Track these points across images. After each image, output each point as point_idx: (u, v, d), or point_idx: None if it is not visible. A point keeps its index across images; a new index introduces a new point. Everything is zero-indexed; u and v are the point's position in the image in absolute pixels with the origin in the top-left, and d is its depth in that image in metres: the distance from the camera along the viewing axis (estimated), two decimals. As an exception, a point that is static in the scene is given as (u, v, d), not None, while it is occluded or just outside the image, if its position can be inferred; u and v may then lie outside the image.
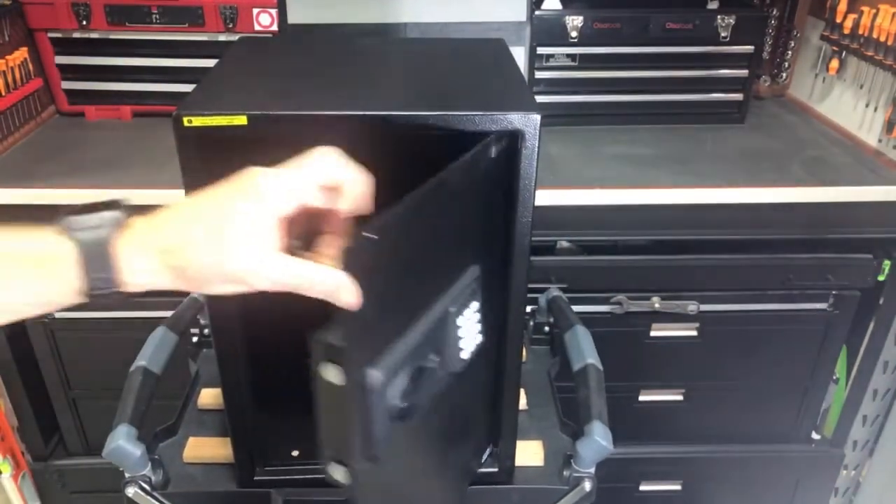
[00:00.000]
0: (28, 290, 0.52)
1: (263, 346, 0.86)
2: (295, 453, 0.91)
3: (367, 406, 0.59)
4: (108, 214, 0.53)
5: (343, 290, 0.53)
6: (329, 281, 0.53)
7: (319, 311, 0.99)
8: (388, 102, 0.75)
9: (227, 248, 0.51)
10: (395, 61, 0.96)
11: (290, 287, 0.53)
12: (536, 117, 0.71)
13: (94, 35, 1.50)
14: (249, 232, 0.51)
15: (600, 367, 0.96)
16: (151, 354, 0.95)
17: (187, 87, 1.52)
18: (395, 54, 1.00)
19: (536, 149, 0.72)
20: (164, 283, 0.53)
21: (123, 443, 0.84)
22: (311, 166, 0.54)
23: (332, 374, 0.56)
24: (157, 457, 0.89)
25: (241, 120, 0.69)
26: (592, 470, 0.89)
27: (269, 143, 0.71)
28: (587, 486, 0.89)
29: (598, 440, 0.86)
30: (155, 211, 0.54)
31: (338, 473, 0.61)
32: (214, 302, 0.78)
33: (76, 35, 1.50)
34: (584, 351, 0.99)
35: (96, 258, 0.51)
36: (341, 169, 0.55)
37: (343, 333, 0.55)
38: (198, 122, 0.68)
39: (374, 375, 0.59)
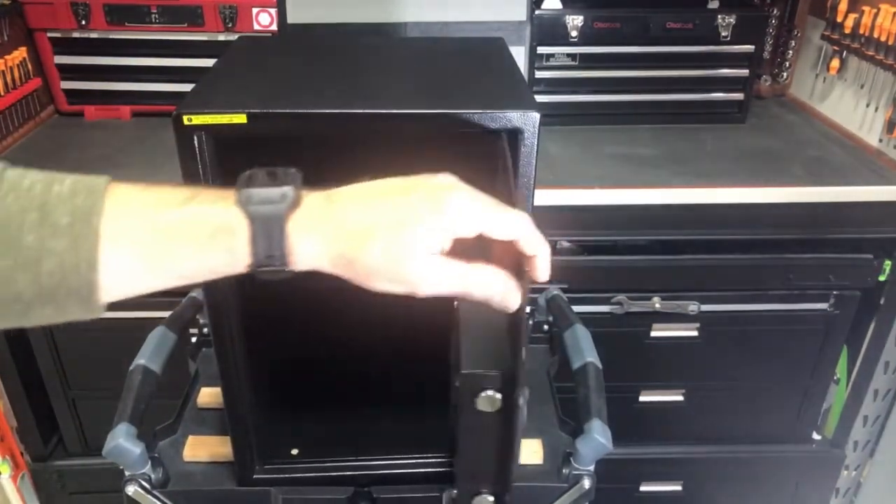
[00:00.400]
0: (199, 259, 0.52)
1: (263, 345, 0.86)
2: (294, 452, 0.91)
3: (518, 426, 0.59)
4: (284, 190, 0.52)
5: (511, 295, 0.54)
6: (499, 285, 0.54)
7: (317, 309, 0.99)
8: (387, 101, 0.75)
9: (404, 254, 0.51)
10: (393, 60, 0.95)
11: (458, 292, 0.54)
12: (535, 115, 0.71)
13: (94, 35, 1.50)
14: (430, 243, 0.51)
15: (599, 365, 0.96)
16: (151, 353, 0.95)
17: (186, 87, 1.52)
18: (393, 53, 1.00)
19: (535, 147, 0.72)
20: (325, 268, 0.53)
21: (123, 441, 0.84)
22: (506, 217, 0.53)
23: (489, 402, 0.57)
24: (156, 455, 0.89)
25: (241, 118, 0.69)
26: (592, 468, 0.89)
27: (269, 141, 0.71)
28: (586, 483, 0.88)
29: (598, 438, 0.86)
30: (327, 190, 0.53)
31: None
32: (213, 300, 0.78)
33: (75, 35, 1.50)
34: (584, 349, 0.98)
35: (268, 236, 0.51)
36: (531, 241, 0.54)
37: (507, 361, 0.56)
38: (197, 120, 0.68)
39: (523, 393, 0.58)
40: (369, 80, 0.84)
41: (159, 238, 0.50)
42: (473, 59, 0.95)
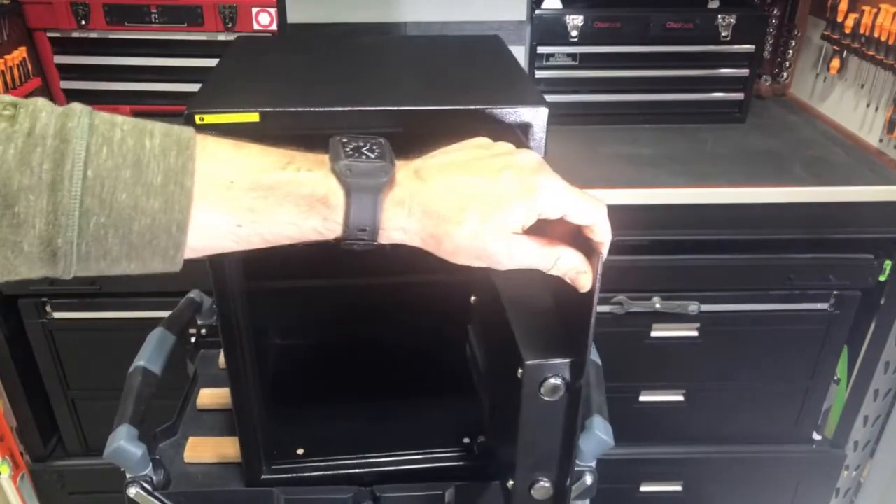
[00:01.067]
0: (290, 226, 0.51)
1: (269, 343, 0.86)
2: (300, 451, 0.91)
3: (581, 412, 0.61)
4: (384, 164, 0.52)
5: (584, 275, 0.56)
6: (575, 263, 0.55)
7: (323, 308, 0.98)
8: (397, 97, 0.75)
9: (493, 235, 0.52)
10: (396, 57, 0.95)
11: (538, 266, 0.55)
12: (544, 110, 0.72)
13: (93, 35, 1.50)
14: (517, 225, 0.52)
15: (599, 363, 0.96)
16: (150, 355, 0.94)
17: (186, 87, 1.53)
18: (394, 51, 1.00)
19: (544, 141, 0.73)
20: (412, 243, 0.54)
21: (125, 444, 0.83)
22: (589, 203, 0.55)
23: (553, 391, 0.59)
24: (157, 457, 0.89)
25: (254, 117, 0.69)
26: (593, 464, 0.89)
27: (280, 139, 0.71)
28: (588, 479, 0.88)
29: (599, 434, 0.86)
30: (412, 161, 0.54)
31: (542, 492, 0.64)
32: (223, 299, 0.77)
33: (75, 35, 1.50)
34: (584, 348, 0.98)
35: (363, 210, 0.51)
36: (604, 229, 0.56)
37: (568, 348, 0.58)
38: (210, 119, 0.68)
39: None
40: (376, 78, 0.84)
41: (254, 203, 0.50)
42: (475, 56, 0.95)
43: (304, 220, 0.51)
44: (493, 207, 0.52)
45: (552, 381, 0.59)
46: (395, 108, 0.71)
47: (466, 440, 0.90)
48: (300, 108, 0.71)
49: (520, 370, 0.59)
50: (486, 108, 0.71)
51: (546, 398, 0.60)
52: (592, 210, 0.54)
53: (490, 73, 0.88)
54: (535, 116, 0.72)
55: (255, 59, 0.92)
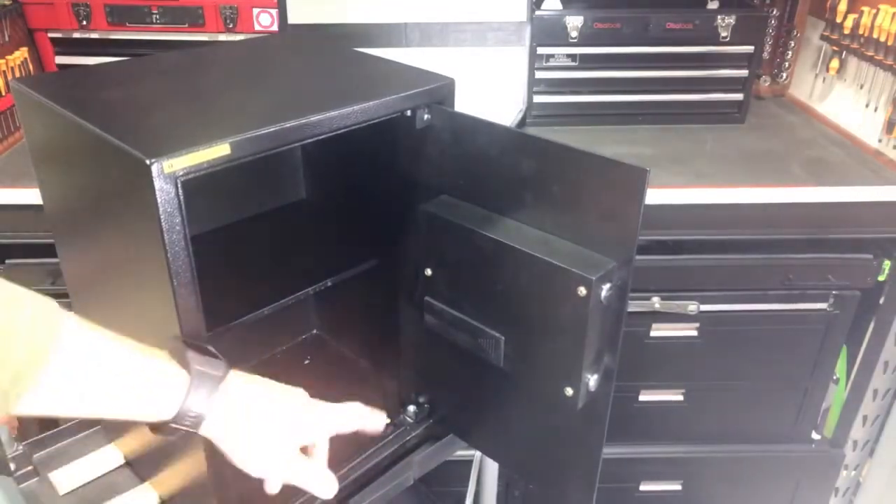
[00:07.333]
0: (129, 408, 0.58)
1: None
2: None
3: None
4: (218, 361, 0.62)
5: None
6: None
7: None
8: (321, 104, 0.72)
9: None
10: (239, 74, 0.90)
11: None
12: (452, 79, 0.79)
13: (94, 35, 1.50)
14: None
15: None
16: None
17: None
18: (231, 67, 0.94)
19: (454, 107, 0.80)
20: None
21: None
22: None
23: (610, 294, 0.69)
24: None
25: (224, 149, 0.62)
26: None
27: (243, 167, 0.66)
28: None
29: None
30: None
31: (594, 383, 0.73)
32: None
33: (76, 35, 1.50)
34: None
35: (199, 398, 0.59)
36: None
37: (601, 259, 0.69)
38: (179, 164, 0.60)
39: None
40: (271, 95, 0.81)
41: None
42: (319, 57, 0.97)
43: (139, 404, 0.58)
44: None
45: (607, 285, 0.67)
46: (341, 110, 0.71)
47: None
48: (270, 129, 0.66)
49: (581, 289, 0.66)
50: (413, 92, 0.76)
51: (605, 303, 0.68)
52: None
53: (358, 67, 0.91)
54: (449, 88, 0.79)
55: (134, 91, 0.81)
